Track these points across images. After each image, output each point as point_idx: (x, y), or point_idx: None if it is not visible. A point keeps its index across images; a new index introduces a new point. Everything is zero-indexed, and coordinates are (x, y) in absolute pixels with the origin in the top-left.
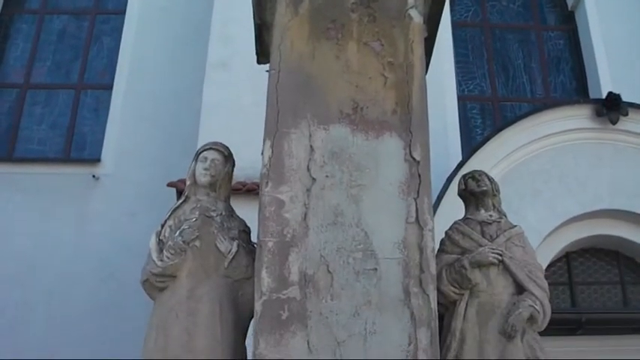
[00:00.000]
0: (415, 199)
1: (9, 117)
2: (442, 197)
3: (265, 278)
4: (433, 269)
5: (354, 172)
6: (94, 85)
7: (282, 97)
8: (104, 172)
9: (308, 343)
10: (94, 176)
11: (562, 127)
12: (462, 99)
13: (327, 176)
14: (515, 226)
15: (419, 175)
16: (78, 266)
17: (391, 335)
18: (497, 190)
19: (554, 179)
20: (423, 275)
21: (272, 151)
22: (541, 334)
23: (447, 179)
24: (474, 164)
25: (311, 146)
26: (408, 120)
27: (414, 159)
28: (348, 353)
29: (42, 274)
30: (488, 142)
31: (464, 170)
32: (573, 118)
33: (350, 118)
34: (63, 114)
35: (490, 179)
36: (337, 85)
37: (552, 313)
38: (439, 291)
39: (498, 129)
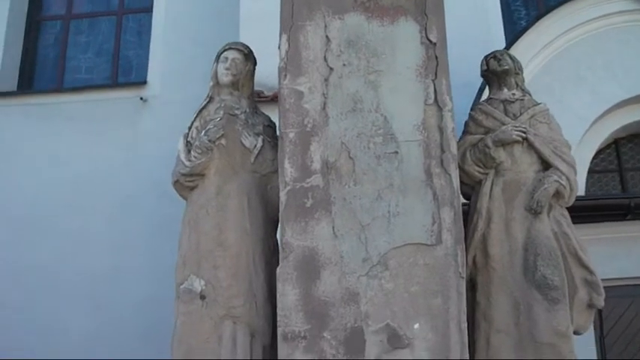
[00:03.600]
0: (433, 81)
1: (55, 48)
2: (483, 91)
3: (288, 168)
4: (454, 149)
5: (371, 58)
6: (135, 9)
7: None
8: (151, 94)
9: (333, 229)
10: (141, 98)
11: (604, 10)
12: None
13: (344, 65)
14: (540, 103)
15: (436, 57)
16: (133, 188)
17: (415, 216)
18: (520, 69)
19: (598, 65)
20: (444, 155)
21: (288, 45)
22: (591, 220)
23: None
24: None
25: (327, 36)
26: (423, 3)
27: (430, 41)
28: (373, 235)
29: (100, 199)
30: (528, 32)
31: None
32: (616, 2)
33: (364, 6)
34: (107, 40)
35: (512, 58)
36: None
37: (601, 199)
38: (464, 171)
39: (537, 17)
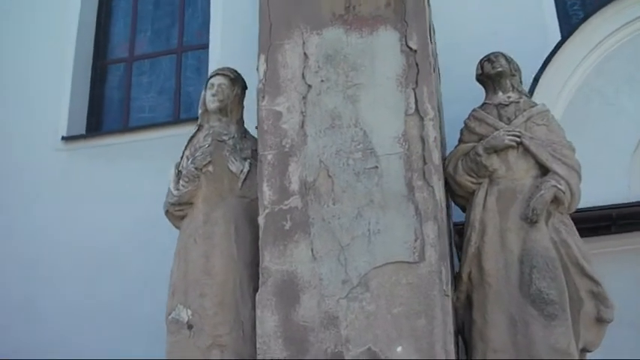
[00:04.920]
0: (414, 90)
1: (120, 90)
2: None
3: (266, 191)
4: (437, 160)
5: (350, 72)
6: (193, 46)
7: (273, 9)
8: None
9: (312, 251)
10: None
11: None
12: None
13: (322, 81)
14: (537, 104)
15: (416, 65)
16: None
17: (396, 233)
18: (516, 70)
19: None
20: (426, 167)
21: (267, 65)
22: None
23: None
24: (561, 60)
25: (305, 53)
26: (403, 10)
27: (410, 49)
28: (353, 256)
29: (164, 234)
30: (574, 34)
31: (550, 69)
32: None
33: (343, 19)
34: (168, 79)
35: (508, 59)
36: None
37: None
38: (456, 182)
39: (584, 18)
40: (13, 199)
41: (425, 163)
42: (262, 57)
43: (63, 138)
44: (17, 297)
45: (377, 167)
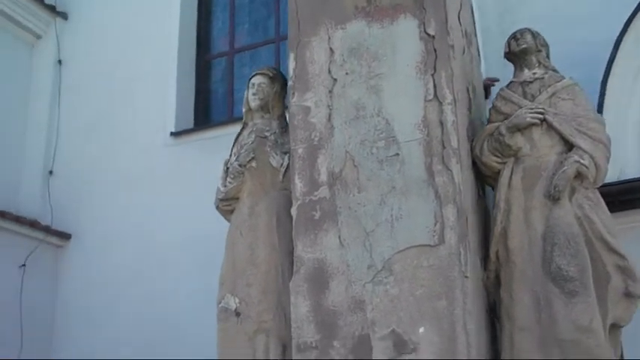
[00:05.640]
0: (432, 75)
1: (223, 84)
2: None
3: (298, 184)
4: (455, 143)
5: (372, 62)
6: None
7: (301, 9)
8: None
9: (339, 238)
10: None
11: None
12: None
13: (346, 73)
14: (563, 78)
15: (435, 50)
16: None
17: (417, 217)
18: (543, 45)
19: None
20: (445, 151)
21: (296, 63)
22: None
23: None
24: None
25: (330, 48)
26: None
27: (428, 35)
28: (377, 241)
29: None
30: None
31: (631, 31)
32: None
33: (365, 11)
34: None
35: (534, 34)
36: None
37: None
38: (482, 163)
39: None
40: (130, 198)
41: (444, 147)
42: (292, 55)
43: (172, 133)
44: (137, 287)
45: (398, 154)
